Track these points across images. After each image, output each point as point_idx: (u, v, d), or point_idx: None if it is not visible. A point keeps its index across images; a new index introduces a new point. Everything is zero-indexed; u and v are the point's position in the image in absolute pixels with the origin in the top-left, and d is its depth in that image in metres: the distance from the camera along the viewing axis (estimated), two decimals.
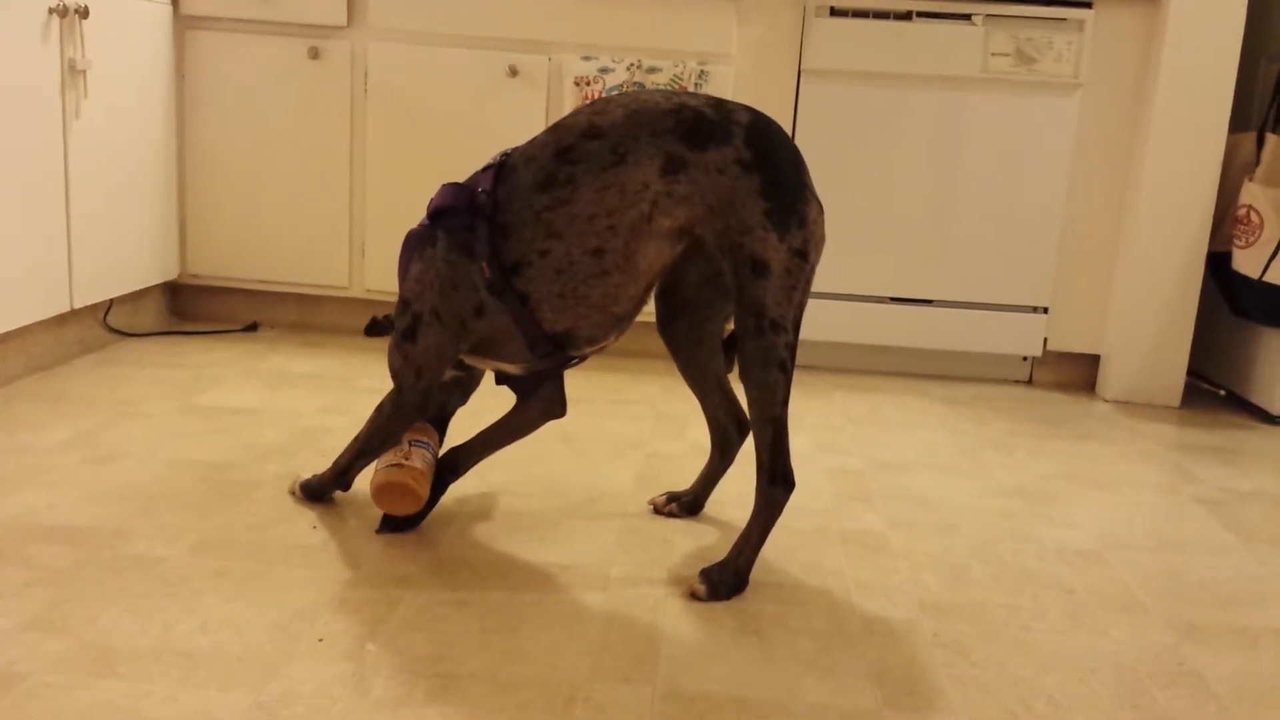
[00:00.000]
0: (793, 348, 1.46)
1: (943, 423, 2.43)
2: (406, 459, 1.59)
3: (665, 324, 1.67)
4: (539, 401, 1.71)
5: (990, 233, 2.72)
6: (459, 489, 1.79)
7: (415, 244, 1.58)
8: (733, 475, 1.79)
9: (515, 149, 1.54)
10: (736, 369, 1.48)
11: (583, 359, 1.62)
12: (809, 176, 1.48)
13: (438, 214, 1.54)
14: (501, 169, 1.53)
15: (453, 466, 1.71)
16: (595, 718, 1.18)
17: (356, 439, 1.67)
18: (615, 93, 2.68)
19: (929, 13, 2.62)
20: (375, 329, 1.69)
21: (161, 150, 2.70)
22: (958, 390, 2.73)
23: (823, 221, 1.49)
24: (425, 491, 1.59)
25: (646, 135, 1.45)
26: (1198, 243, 2.65)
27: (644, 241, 1.46)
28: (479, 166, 2.70)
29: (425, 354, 1.57)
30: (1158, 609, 1.55)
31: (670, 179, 1.44)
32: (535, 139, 1.53)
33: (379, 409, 1.63)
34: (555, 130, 1.51)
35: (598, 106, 1.50)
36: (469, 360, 1.64)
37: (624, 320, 1.54)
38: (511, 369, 1.63)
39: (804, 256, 1.45)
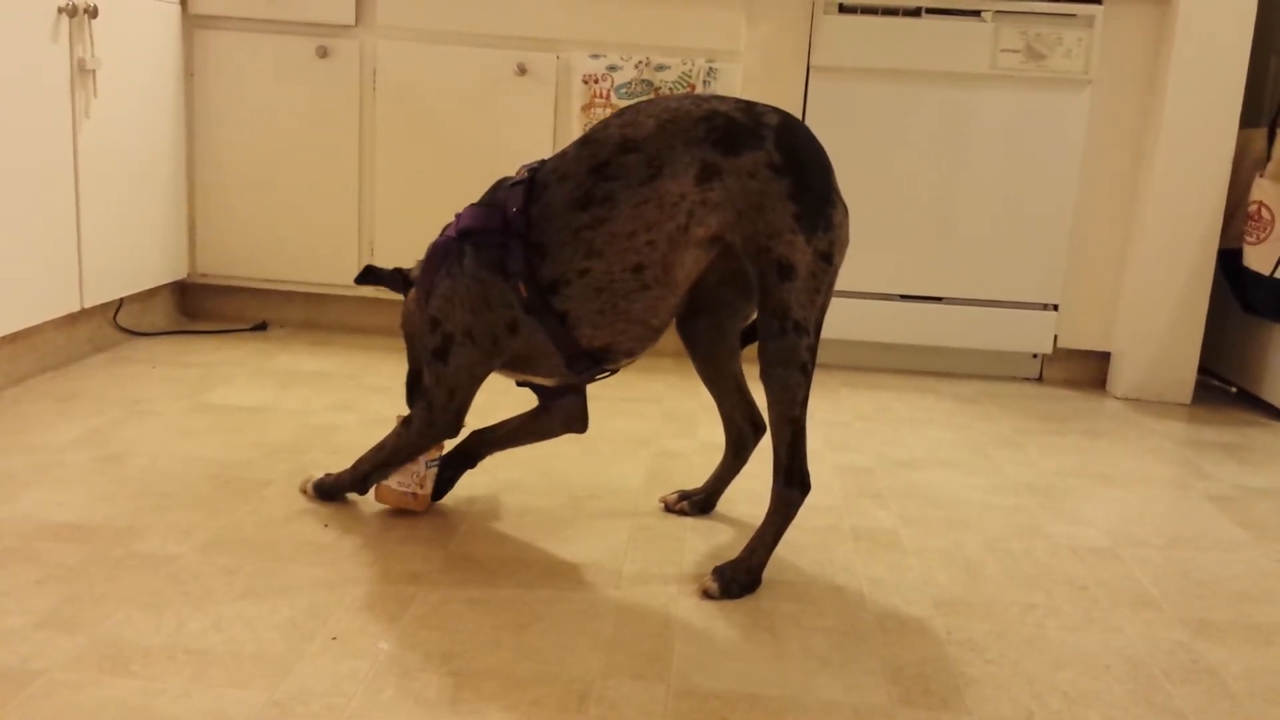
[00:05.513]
0: (814, 350, 1.45)
1: (952, 420, 2.42)
2: (421, 487, 1.66)
3: (684, 323, 1.66)
4: (561, 414, 1.71)
5: (1000, 229, 2.72)
6: (471, 487, 1.79)
7: (441, 259, 1.55)
8: (744, 472, 1.78)
9: (543, 164, 1.52)
10: (758, 370, 1.47)
11: (615, 371, 1.61)
12: (835, 178, 1.47)
13: (467, 233, 1.52)
14: (532, 186, 1.50)
15: (472, 453, 1.73)
16: (608, 715, 1.18)
17: (380, 448, 1.65)
18: (623, 91, 2.67)
19: (938, 9, 2.61)
20: (369, 278, 1.65)
21: (170, 149, 2.71)
22: (967, 388, 2.73)
23: (847, 224, 1.47)
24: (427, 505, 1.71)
25: (681, 144, 1.43)
26: (1208, 239, 2.65)
27: (681, 253, 1.45)
28: (487, 164, 2.72)
29: (458, 374, 1.56)
30: (1170, 605, 1.54)
31: (705, 187, 1.42)
32: (565, 153, 1.50)
33: (406, 423, 1.62)
34: (587, 144, 1.48)
35: (627, 118, 1.47)
36: (502, 374, 1.62)
37: (661, 331, 1.53)
38: (545, 383, 1.62)
39: (829, 259, 1.44)
